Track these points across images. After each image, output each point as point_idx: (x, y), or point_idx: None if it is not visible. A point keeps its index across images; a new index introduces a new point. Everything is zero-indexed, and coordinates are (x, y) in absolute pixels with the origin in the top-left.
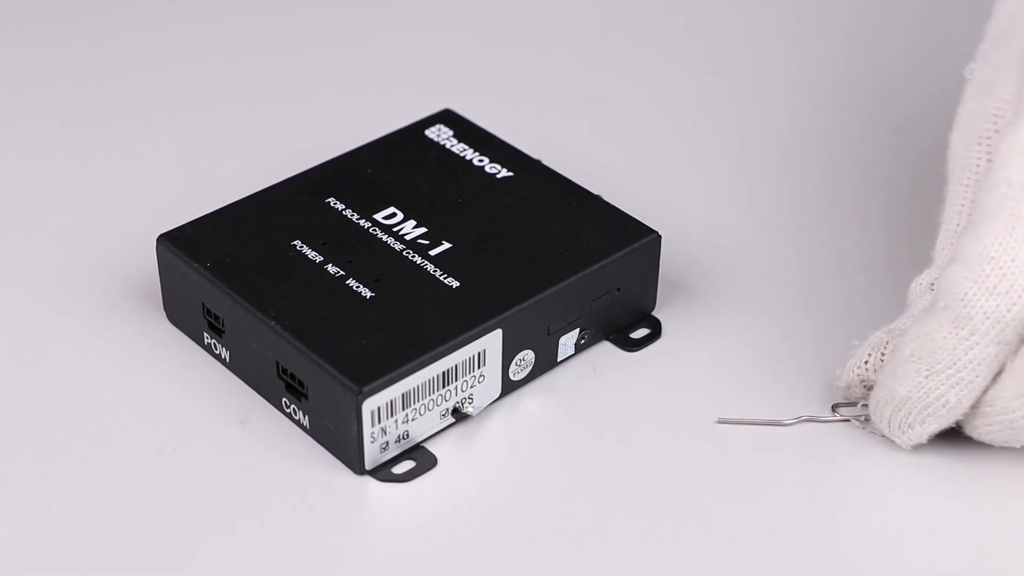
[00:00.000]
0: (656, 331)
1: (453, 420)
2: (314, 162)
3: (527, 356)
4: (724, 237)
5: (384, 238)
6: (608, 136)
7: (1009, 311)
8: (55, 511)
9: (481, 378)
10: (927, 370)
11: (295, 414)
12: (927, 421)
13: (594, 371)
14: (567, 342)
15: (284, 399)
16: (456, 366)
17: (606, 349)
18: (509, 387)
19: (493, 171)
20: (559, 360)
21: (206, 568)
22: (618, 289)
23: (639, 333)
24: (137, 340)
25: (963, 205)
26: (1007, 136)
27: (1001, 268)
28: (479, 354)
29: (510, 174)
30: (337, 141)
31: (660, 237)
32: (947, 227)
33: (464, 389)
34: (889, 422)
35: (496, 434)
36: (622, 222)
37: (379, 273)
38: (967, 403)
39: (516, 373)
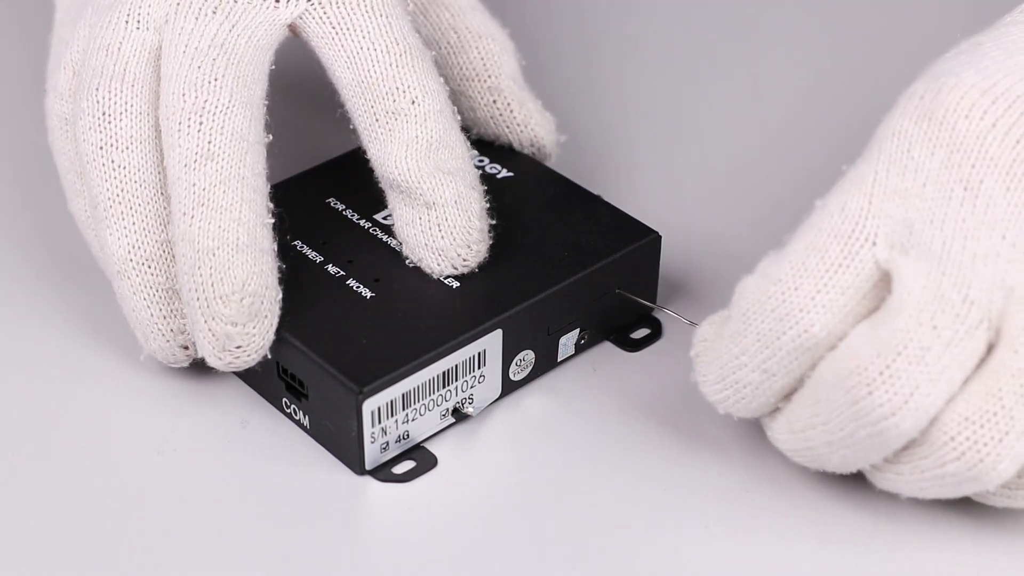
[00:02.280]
0: (656, 331)
1: (453, 420)
2: (314, 162)
3: (527, 356)
4: (724, 237)
5: (384, 238)
6: (608, 136)
7: (779, 339)
8: (55, 511)
9: (481, 378)
10: (702, 376)
11: (295, 414)
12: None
13: (594, 371)
14: (567, 342)
15: (284, 399)
16: (456, 366)
17: (606, 349)
18: (509, 387)
19: (493, 171)
20: (559, 360)
21: (206, 568)
22: (618, 289)
23: (639, 333)
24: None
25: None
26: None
27: (784, 294)
28: (479, 354)
29: (510, 174)
30: (337, 141)
31: (660, 237)
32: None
33: (464, 389)
34: None
35: (496, 434)
36: (622, 222)
37: (379, 273)
38: (742, 414)
39: (516, 373)
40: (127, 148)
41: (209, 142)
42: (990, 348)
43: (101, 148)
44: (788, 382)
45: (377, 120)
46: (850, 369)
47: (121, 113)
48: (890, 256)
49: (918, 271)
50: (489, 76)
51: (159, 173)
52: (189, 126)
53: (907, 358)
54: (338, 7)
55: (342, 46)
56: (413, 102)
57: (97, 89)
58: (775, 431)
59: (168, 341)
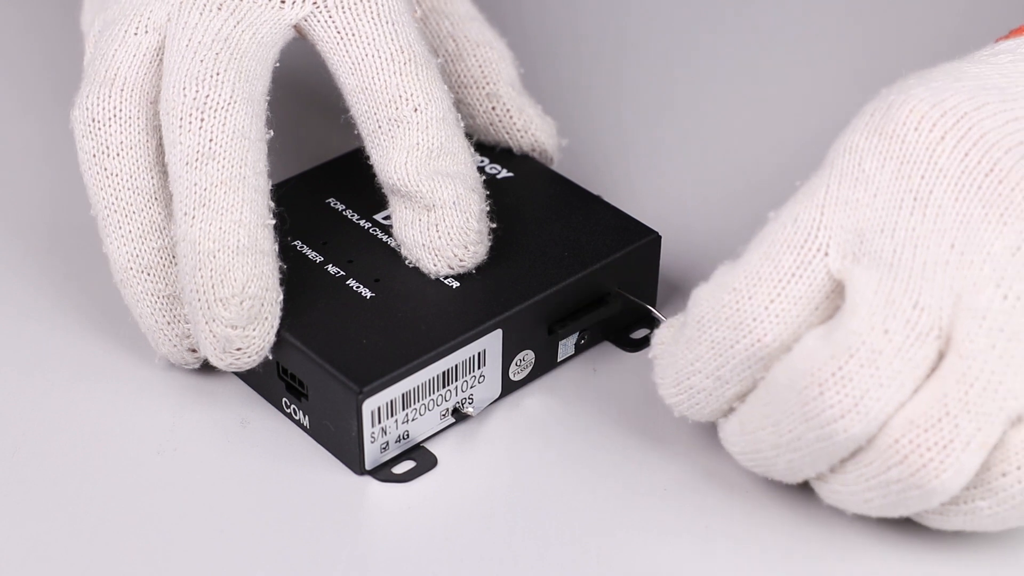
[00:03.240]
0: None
1: (453, 420)
2: (315, 162)
3: (527, 356)
4: (724, 238)
5: (384, 238)
6: (608, 137)
7: (732, 348)
8: (55, 511)
9: (481, 378)
10: (659, 379)
11: (295, 414)
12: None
13: (594, 372)
14: (567, 342)
15: (284, 399)
16: (456, 366)
17: (606, 349)
18: (509, 387)
19: (493, 171)
20: (559, 360)
21: (206, 567)
22: (618, 289)
23: (639, 333)
24: (137, 340)
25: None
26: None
27: (738, 303)
28: (479, 354)
29: (510, 174)
30: (338, 141)
31: (660, 237)
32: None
33: (464, 389)
34: None
35: (496, 434)
36: (622, 222)
37: (379, 273)
38: (696, 418)
39: (516, 373)
40: (118, 155)
41: (211, 140)
42: (940, 356)
43: (94, 156)
44: (741, 389)
45: (380, 127)
46: (802, 370)
47: (110, 119)
48: (842, 266)
49: (870, 278)
50: (487, 83)
51: (155, 177)
52: (191, 123)
53: (859, 361)
54: (344, 12)
55: (347, 51)
56: (416, 110)
57: (87, 96)
58: (727, 432)
59: (176, 346)
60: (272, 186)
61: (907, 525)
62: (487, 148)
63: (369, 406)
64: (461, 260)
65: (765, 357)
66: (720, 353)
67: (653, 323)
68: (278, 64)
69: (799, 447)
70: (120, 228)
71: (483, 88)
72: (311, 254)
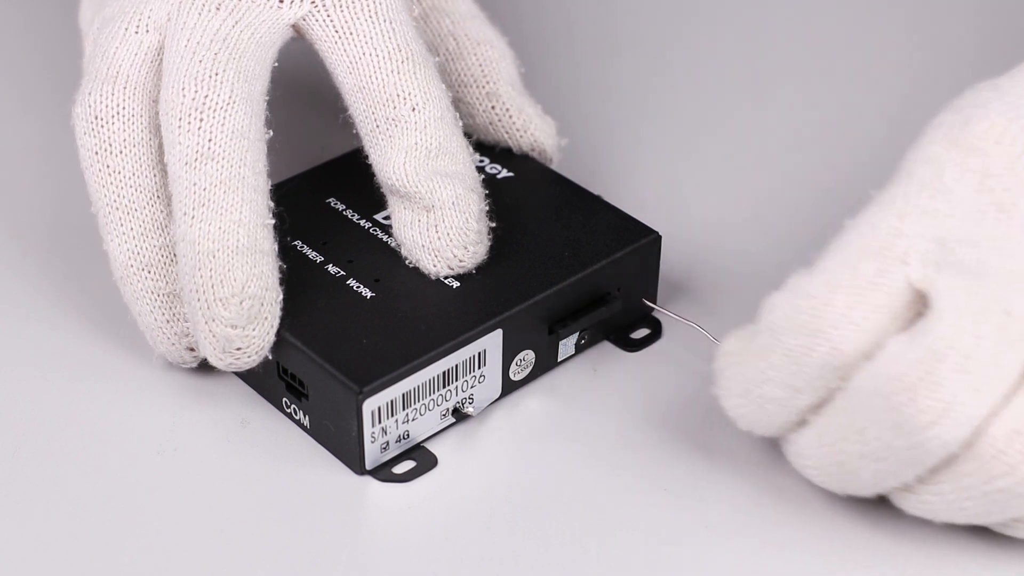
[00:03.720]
0: (656, 331)
1: (453, 420)
2: (316, 162)
3: (527, 356)
4: (724, 238)
5: (384, 238)
6: (609, 136)
7: (808, 355)
8: (55, 511)
9: (481, 378)
10: (725, 389)
11: (295, 414)
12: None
13: (595, 372)
14: (567, 342)
15: (284, 399)
16: (456, 366)
17: (607, 349)
18: (509, 387)
19: (493, 171)
20: (559, 360)
21: (206, 567)
22: (618, 289)
23: (639, 333)
24: (137, 339)
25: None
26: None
27: (815, 309)
28: (479, 354)
29: (510, 174)
30: (339, 141)
31: (660, 237)
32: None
33: (464, 389)
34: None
35: (496, 434)
36: (622, 222)
37: (379, 273)
38: (762, 431)
39: (516, 373)
40: (120, 152)
41: (210, 140)
42: None
43: (96, 153)
44: (814, 400)
45: (378, 126)
46: (890, 375)
47: (113, 116)
48: (924, 275)
49: (956, 285)
50: (487, 82)
51: (156, 175)
52: (190, 123)
53: (950, 365)
54: (341, 11)
55: (344, 51)
56: (413, 109)
57: (89, 94)
58: (800, 447)
59: (174, 344)
60: (273, 186)
61: (907, 525)
62: (487, 148)
63: (369, 406)
64: (461, 260)
65: (842, 366)
66: (795, 361)
67: (654, 323)
68: (277, 64)
69: (886, 456)
70: (121, 226)
71: (483, 87)
72: (311, 254)
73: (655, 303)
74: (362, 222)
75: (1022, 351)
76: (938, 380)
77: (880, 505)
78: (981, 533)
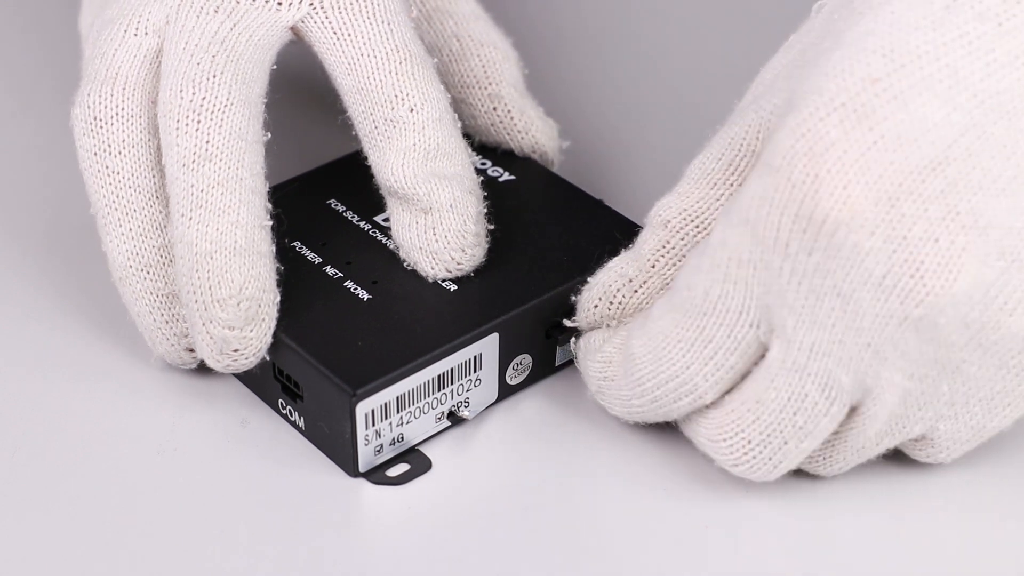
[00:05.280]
0: None
1: (449, 424)
2: (314, 164)
3: (524, 360)
4: None
5: (384, 240)
6: (610, 141)
7: (675, 403)
8: (55, 510)
9: (477, 382)
10: (607, 404)
11: (291, 416)
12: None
13: None
14: (565, 347)
15: (280, 400)
16: (452, 369)
17: None
18: (506, 391)
19: (495, 174)
20: (557, 365)
21: (204, 567)
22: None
23: None
24: (137, 340)
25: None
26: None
27: (677, 373)
28: (475, 358)
29: (512, 177)
30: (340, 142)
31: None
32: (701, 154)
33: (460, 393)
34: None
35: (492, 438)
36: (623, 227)
37: (377, 275)
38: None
39: (513, 377)
40: (119, 153)
41: (207, 142)
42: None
43: (95, 154)
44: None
45: (376, 127)
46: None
47: (112, 117)
48: (768, 338)
49: (785, 365)
50: (490, 83)
51: (155, 176)
52: (187, 125)
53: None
54: (340, 12)
55: (343, 52)
56: (412, 110)
57: (88, 95)
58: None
59: (173, 345)
60: (273, 187)
61: (907, 525)
62: (489, 150)
63: (363, 408)
64: (459, 263)
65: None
66: (663, 405)
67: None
68: (275, 67)
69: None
70: (120, 226)
71: (485, 88)
72: (310, 255)
73: None
74: (362, 224)
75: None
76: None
77: (880, 505)
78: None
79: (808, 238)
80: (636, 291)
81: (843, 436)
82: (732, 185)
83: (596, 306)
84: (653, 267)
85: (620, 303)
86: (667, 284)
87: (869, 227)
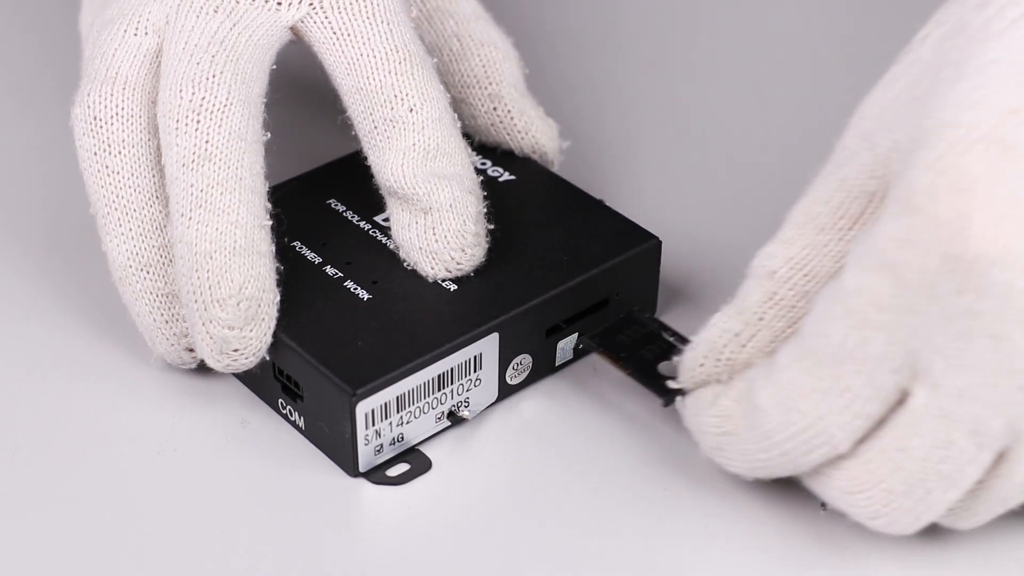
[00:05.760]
0: None
1: (449, 424)
2: (314, 164)
3: (524, 360)
4: (725, 243)
5: (384, 240)
6: (611, 141)
7: (806, 456)
8: (55, 510)
9: (477, 382)
10: (726, 461)
11: (291, 415)
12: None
13: (595, 371)
14: (565, 347)
15: (280, 400)
16: (452, 369)
17: None
18: (506, 391)
19: (495, 174)
20: (557, 365)
21: (204, 567)
22: (617, 294)
23: None
24: (137, 340)
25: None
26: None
27: (809, 425)
28: (475, 358)
29: (512, 177)
30: (337, 143)
31: (660, 243)
32: (803, 200)
33: (460, 393)
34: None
35: (492, 438)
36: (623, 227)
37: (377, 275)
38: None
39: (513, 377)
40: (119, 152)
41: (207, 141)
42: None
43: (95, 154)
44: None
45: (376, 127)
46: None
47: (112, 117)
48: (910, 383)
49: (931, 411)
50: (490, 83)
51: (155, 176)
52: (187, 125)
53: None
54: (339, 12)
55: (342, 52)
56: (411, 110)
57: (88, 94)
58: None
59: (173, 345)
60: (273, 187)
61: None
62: (489, 150)
63: (363, 408)
64: (458, 263)
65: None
66: (793, 460)
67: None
68: (275, 67)
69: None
70: (120, 226)
71: (485, 88)
72: (310, 255)
73: (655, 308)
74: (362, 224)
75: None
76: None
77: None
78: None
79: (958, 278)
80: (744, 346)
81: (987, 485)
82: (842, 230)
83: (702, 364)
84: (760, 320)
85: (728, 359)
86: (777, 336)
87: (1023, 264)
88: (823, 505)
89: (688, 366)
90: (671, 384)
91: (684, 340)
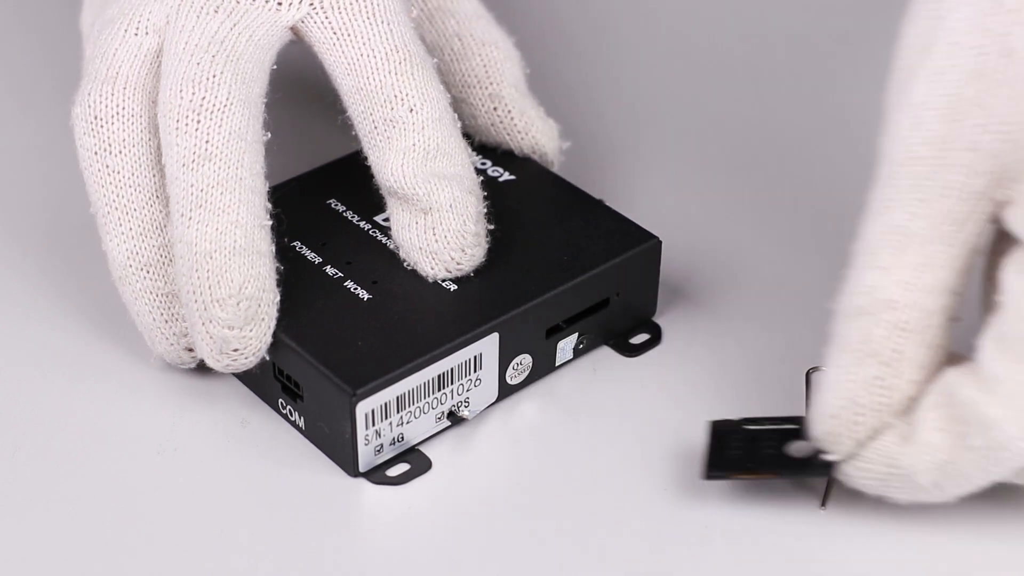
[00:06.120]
0: (656, 336)
1: (449, 424)
2: (315, 164)
3: (524, 360)
4: (725, 243)
5: (384, 240)
6: (611, 141)
7: (998, 465)
8: (55, 510)
9: (477, 382)
10: (943, 493)
11: (291, 415)
12: None
13: (595, 371)
14: (565, 347)
15: (280, 400)
16: (452, 369)
17: (606, 354)
18: (506, 391)
19: (495, 174)
20: (557, 364)
21: (204, 567)
22: (617, 294)
23: (639, 338)
24: (137, 340)
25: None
26: None
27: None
28: (475, 358)
29: (512, 177)
30: (338, 143)
31: (660, 243)
32: (884, 222)
33: (460, 393)
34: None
35: (492, 438)
36: (623, 227)
37: (377, 275)
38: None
39: (513, 377)
40: (120, 152)
41: (207, 141)
42: None
43: (95, 153)
44: None
45: (376, 128)
46: None
47: (113, 116)
48: None
49: None
50: (491, 83)
51: (155, 176)
52: (187, 125)
53: None
54: (339, 12)
55: (342, 52)
56: (411, 110)
57: (89, 94)
58: None
59: (172, 344)
60: (274, 187)
61: (907, 525)
62: (489, 150)
63: (363, 408)
64: (458, 263)
65: None
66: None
67: (654, 328)
68: (276, 67)
69: None
70: (120, 225)
71: (486, 88)
72: (310, 255)
73: (655, 308)
74: (362, 224)
75: None
76: None
77: (881, 507)
78: None
79: None
80: (892, 387)
81: None
82: (948, 235)
83: (857, 424)
84: (899, 353)
85: (876, 407)
86: (923, 363)
87: None
88: (823, 504)
89: (839, 433)
90: (824, 457)
91: (783, 420)
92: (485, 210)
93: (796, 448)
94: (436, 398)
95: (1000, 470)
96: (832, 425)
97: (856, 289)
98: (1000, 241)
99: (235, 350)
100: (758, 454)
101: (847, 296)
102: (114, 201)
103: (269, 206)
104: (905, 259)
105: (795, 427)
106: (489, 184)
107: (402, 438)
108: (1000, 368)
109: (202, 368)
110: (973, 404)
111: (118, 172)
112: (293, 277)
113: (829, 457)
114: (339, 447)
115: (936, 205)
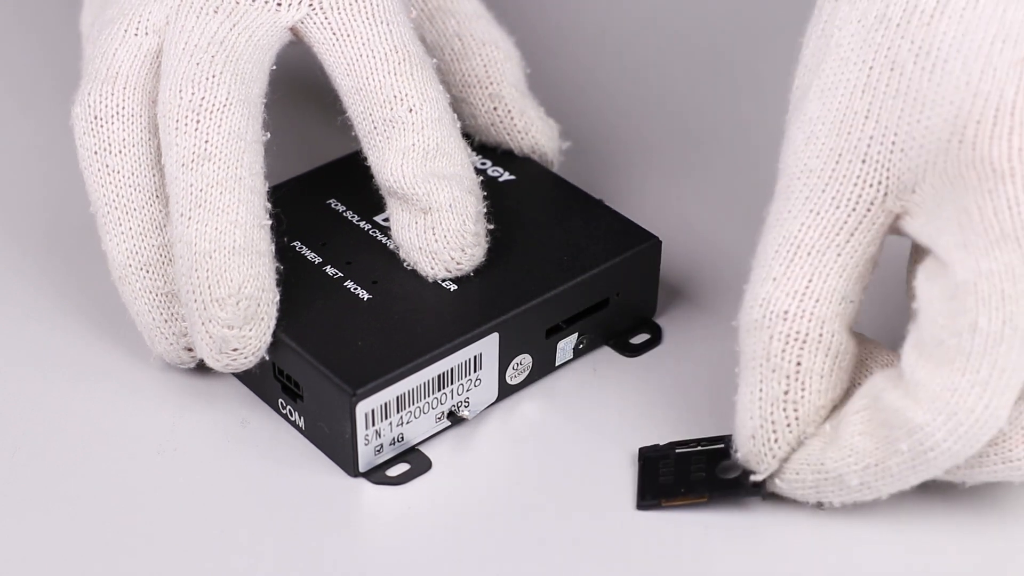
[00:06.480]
0: (656, 336)
1: (449, 424)
2: (315, 164)
3: (524, 360)
4: (726, 243)
5: (384, 240)
6: (611, 141)
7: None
8: (55, 510)
9: (477, 382)
10: (872, 492)
11: (291, 415)
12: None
13: (594, 371)
14: (565, 347)
15: (280, 400)
16: (452, 369)
17: (606, 354)
18: (506, 391)
19: (495, 174)
20: (557, 364)
21: (203, 566)
22: (617, 294)
23: (639, 338)
24: (137, 340)
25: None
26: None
27: (976, 418)
28: (475, 358)
29: (512, 177)
30: (337, 143)
31: (660, 243)
32: (777, 234)
33: (460, 393)
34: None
35: (492, 438)
36: (623, 227)
37: (377, 275)
38: None
39: (513, 377)
40: (120, 152)
41: (206, 141)
42: None
43: (95, 153)
44: None
45: (375, 128)
46: None
47: (113, 116)
48: None
49: None
50: (491, 83)
51: (155, 175)
52: (186, 124)
53: None
54: (339, 13)
55: (342, 52)
56: (411, 110)
57: (89, 94)
58: None
59: (172, 344)
60: (274, 187)
61: (907, 525)
62: (489, 150)
63: (363, 408)
64: (458, 263)
65: None
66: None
67: (654, 328)
68: (275, 67)
69: None
70: (120, 225)
71: (486, 88)
72: (310, 255)
73: (655, 308)
74: (362, 224)
75: None
76: None
77: (881, 507)
78: None
79: None
80: (798, 400)
81: None
82: (840, 245)
83: (775, 442)
84: (799, 365)
85: (788, 422)
86: (824, 371)
87: None
88: (820, 503)
89: (757, 453)
90: (754, 478)
91: (711, 440)
92: (485, 210)
93: (725, 468)
94: (436, 398)
95: (929, 470)
96: (752, 446)
97: (752, 302)
98: (915, 251)
99: (235, 350)
100: (688, 478)
101: (744, 310)
102: (114, 201)
103: (268, 206)
104: (796, 269)
105: (723, 447)
106: (489, 184)
107: (402, 438)
108: (921, 373)
109: (202, 368)
110: (897, 410)
111: (118, 172)
112: (293, 277)
113: (756, 477)
114: (339, 447)
115: (827, 216)
